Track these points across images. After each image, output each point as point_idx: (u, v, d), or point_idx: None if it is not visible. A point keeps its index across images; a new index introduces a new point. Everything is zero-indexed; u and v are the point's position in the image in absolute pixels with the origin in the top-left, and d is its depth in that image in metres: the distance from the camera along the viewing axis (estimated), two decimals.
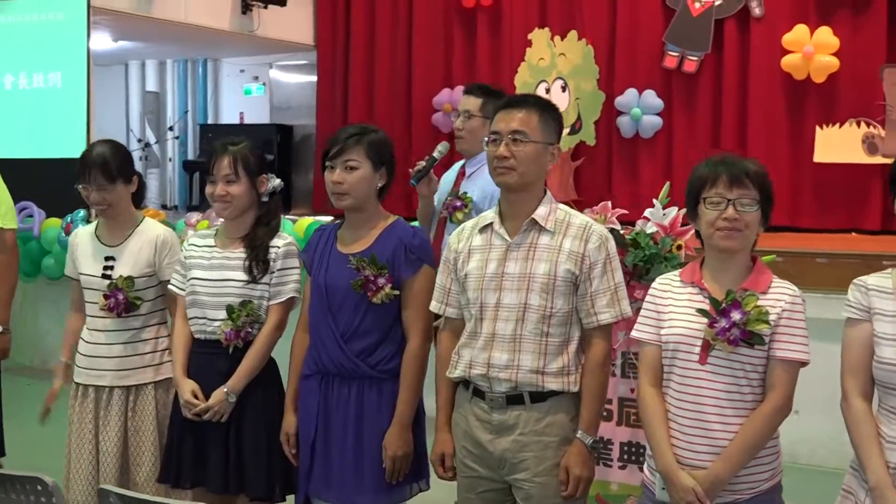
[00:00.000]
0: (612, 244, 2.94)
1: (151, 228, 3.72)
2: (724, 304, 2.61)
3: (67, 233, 6.50)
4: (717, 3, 8.07)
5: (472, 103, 4.29)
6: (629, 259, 3.54)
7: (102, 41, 10.06)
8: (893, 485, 2.50)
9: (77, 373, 3.70)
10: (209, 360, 3.39)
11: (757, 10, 7.97)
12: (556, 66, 8.30)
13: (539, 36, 8.43)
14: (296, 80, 11.30)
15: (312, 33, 10.39)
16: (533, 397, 2.88)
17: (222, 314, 3.35)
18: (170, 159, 12.49)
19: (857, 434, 2.58)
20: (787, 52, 7.68)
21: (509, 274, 2.90)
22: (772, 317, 2.60)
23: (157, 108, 12.54)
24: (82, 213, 6.84)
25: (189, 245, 3.53)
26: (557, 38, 8.35)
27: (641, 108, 8.29)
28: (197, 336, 3.42)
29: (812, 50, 7.54)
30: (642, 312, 2.82)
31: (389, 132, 3.37)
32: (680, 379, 2.68)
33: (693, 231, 3.41)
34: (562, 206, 3.00)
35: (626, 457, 3.65)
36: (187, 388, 3.35)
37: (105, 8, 8.34)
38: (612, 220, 3.67)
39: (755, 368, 2.62)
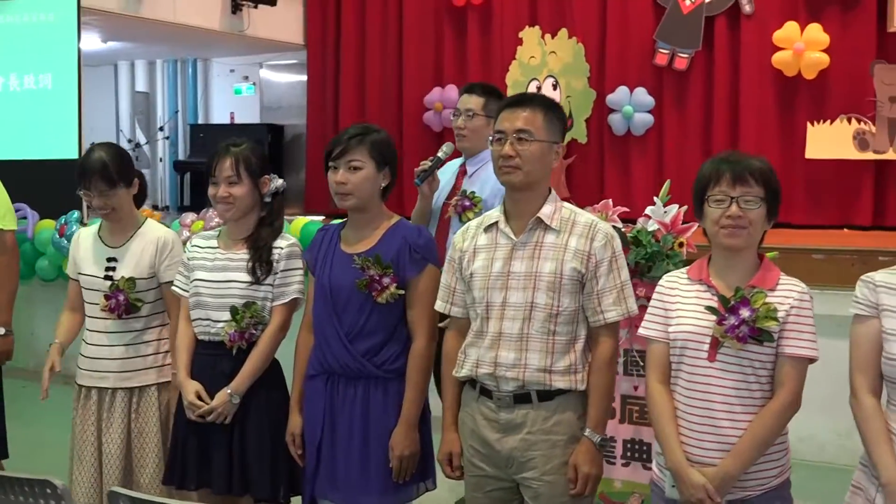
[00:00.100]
0: (617, 242, 2.94)
1: (153, 230, 3.70)
2: (733, 302, 2.62)
3: (61, 234, 6.47)
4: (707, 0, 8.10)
5: (475, 102, 4.28)
6: (631, 257, 3.55)
7: (92, 42, 10.01)
8: None
9: (79, 375, 3.68)
10: (213, 361, 3.37)
11: (747, 7, 8.00)
12: (546, 64, 8.32)
13: (530, 34, 8.45)
14: (286, 79, 11.28)
15: (302, 33, 10.38)
16: (540, 396, 2.88)
17: (226, 315, 3.34)
18: (160, 160, 12.46)
19: (867, 430, 2.59)
20: (778, 48, 7.71)
21: (515, 273, 2.90)
22: (780, 314, 2.60)
23: (147, 109, 12.50)
24: (76, 214, 6.81)
25: (192, 246, 3.52)
26: (548, 36, 8.38)
27: (633, 106, 8.31)
28: (200, 337, 3.41)
29: (802, 47, 7.58)
30: (649, 310, 2.82)
31: None
32: (688, 376, 2.69)
33: (694, 228, 3.44)
34: (567, 204, 3.00)
35: (629, 454, 3.67)
36: (191, 389, 3.34)
37: (94, 8, 8.30)
38: (613, 219, 3.69)
39: (764, 365, 2.63)
